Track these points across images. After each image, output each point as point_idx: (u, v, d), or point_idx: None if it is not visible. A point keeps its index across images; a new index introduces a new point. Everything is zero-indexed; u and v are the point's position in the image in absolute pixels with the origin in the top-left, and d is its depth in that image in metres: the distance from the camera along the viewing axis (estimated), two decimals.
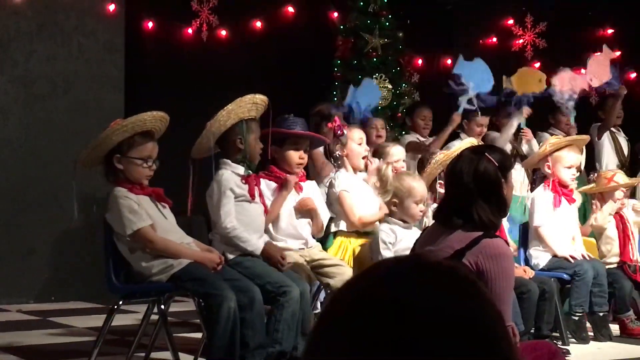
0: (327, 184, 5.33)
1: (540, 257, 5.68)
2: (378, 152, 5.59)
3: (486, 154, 3.14)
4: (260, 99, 4.50)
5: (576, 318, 5.53)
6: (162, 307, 4.19)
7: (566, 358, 4.77)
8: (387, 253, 4.56)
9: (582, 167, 7.59)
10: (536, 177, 6.96)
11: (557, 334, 5.42)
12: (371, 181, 5.11)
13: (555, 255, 5.63)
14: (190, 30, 8.06)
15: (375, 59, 8.32)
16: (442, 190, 4.74)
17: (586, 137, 6.42)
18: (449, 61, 6.59)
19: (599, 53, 7.05)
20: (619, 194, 6.11)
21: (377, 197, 4.96)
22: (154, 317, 4.37)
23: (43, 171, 7.28)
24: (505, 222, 5.04)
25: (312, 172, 5.77)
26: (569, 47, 9.14)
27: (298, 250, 4.76)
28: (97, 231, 4.77)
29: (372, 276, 0.96)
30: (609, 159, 8.00)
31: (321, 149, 5.75)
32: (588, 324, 5.66)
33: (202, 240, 4.42)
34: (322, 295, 5.07)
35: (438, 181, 5.25)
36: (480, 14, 9.53)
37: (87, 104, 7.51)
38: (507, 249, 3.04)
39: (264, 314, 4.20)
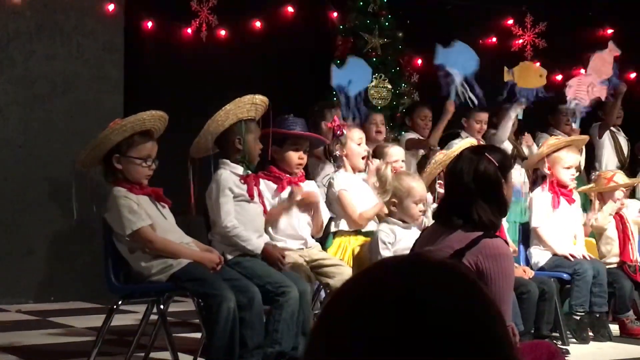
0: (326, 184, 5.33)
1: (540, 256, 5.69)
2: (377, 153, 5.59)
3: (486, 154, 3.14)
4: (259, 99, 4.50)
5: (577, 318, 5.53)
6: (162, 307, 4.19)
7: (566, 358, 4.77)
8: (386, 253, 4.55)
9: (582, 167, 7.60)
10: (537, 177, 6.96)
11: (557, 334, 5.42)
12: (371, 181, 5.11)
13: (555, 254, 5.64)
14: (189, 30, 8.05)
15: (374, 59, 8.32)
16: (442, 190, 4.74)
17: (585, 138, 6.42)
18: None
19: (604, 50, 7.05)
20: (618, 194, 6.11)
21: (376, 196, 4.96)
22: (154, 317, 4.37)
23: (42, 171, 7.28)
24: (504, 222, 5.04)
25: (312, 172, 5.77)
26: (568, 47, 9.15)
27: (297, 250, 4.76)
28: (97, 231, 4.77)
29: (372, 275, 0.96)
30: (608, 158, 8.01)
31: (320, 149, 5.75)
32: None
33: (202, 241, 4.42)
34: (322, 295, 5.07)
35: (438, 181, 5.25)
36: (480, 14, 9.52)
37: (86, 104, 7.50)
38: (506, 249, 3.04)
39: (263, 314, 4.20)
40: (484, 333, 0.91)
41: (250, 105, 4.48)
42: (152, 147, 4.20)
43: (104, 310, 4.72)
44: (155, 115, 4.22)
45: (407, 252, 3.96)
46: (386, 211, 4.78)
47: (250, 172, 4.53)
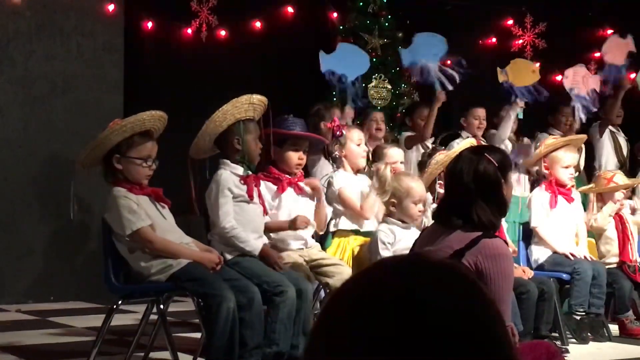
0: (325, 183, 5.33)
1: (540, 253, 5.69)
2: (376, 154, 5.59)
3: (486, 154, 3.15)
4: (257, 99, 4.50)
5: (577, 318, 5.53)
6: (161, 307, 4.19)
7: (565, 358, 4.77)
8: (386, 253, 4.56)
9: (582, 167, 7.61)
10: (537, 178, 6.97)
11: (557, 334, 5.42)
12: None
13: (555, 252, 5.64)
14: (189, 31, 8.05)
15: (374, 59, 8.32)
16: (442, 191, 4.74)
17: (582, 137, 6.43)
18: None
19: (622, 38, 7.05)
20: (618, 194, 6.12)
21: (375, 197, 4.96)
22: (153, 317, 4.38)
23: (42, 171, 7.28)
24: (503, 222, 5.04)
25: (311, 172, 5.76)
26: (568, 48, 9.15)
27: (297, 250, 4.76)
28: (96, 231, 4.77)
29: (371, 275, 0.96)
30: (608, 158, 8.01)
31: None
32: None
33: (201, 241, 4.42)
34: (322, 294, 5.07)
35: (438, 181, 5.25)
36: (480, 14, 9.53)
37: (86, 104, 7.50)
38: (506, 249, 3.04)
39: (262, 314, 4.20)
40: (483, 333, 0.91)
41: (247, 105, 4.47)
42: (152, 147, 4.20)
43: (103, 310, 4.71)
44: (155, 116, 4.22)
45: (407, 252, 3.96)
46: (385, 210, 4.79)
47: (250, 172, 4.53)
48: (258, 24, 8.32)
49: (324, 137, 5.52)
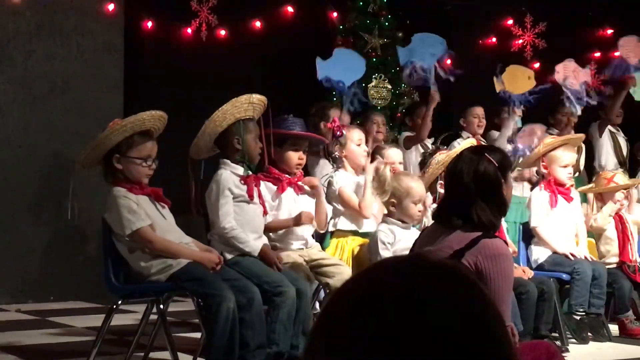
0: (326, 183, 5.33)
1: (540, 253, 5.69)
2: (375, 154, 5.58)
3: (486, 154, 3.15)
4: (257, 98, 4.50)
5: (577, 317, 5.54)
6: (161, 306, 4.19)
7: (565, 358, 4.77)
8: (385, 253, 4.56)
9: (582, 167, 7.61)
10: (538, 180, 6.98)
11: (556, 334, 5.42)
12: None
13: (555, 252, 5.64)
14: (189, 30, 8.05)
15: (374, 59, 8.32)
16: (443, 191, 4.74)
17: (580, 136, 6.43)
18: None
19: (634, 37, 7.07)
20: (618, 194, 6.12)
21: (375, 197, 4.96)
22: (153, 316, 4.38)
23: (42, 171, 7.28)
24: (503, 222, 5.05)
25: (311, 172, 5.76)
26: (568, 48, 9.14)
27: (297, 250, 4.76)
28: (97, 231, 4.77)
29: (372, 276, 0.96)
30: (607, 158, 8.01)
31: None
32: None
33: (201, 240, 4.42)
34: (322, 294, 5.07)
35: (439, 181, 5.25)
36: (480, 14, 9.53)
37: (86, 104, 7.50)
38: (506, 250, 3.04)
39: (263, 314, 4.20)
40: (483, 333, 0.91)
41: (247, 104, 4.47)
42: (152, 147, 4.20)
43: (103, 310, 4.72)
44: (155, 115, 4.22)
45: (407, 252, 3.96)
46: (385, 210, 4.78)
47: (250, 172, 4.53)
48: (258, 24, 8.32)
49: (324, 137, 5.52)
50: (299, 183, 4.82)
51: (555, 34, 9.50)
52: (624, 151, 8.14)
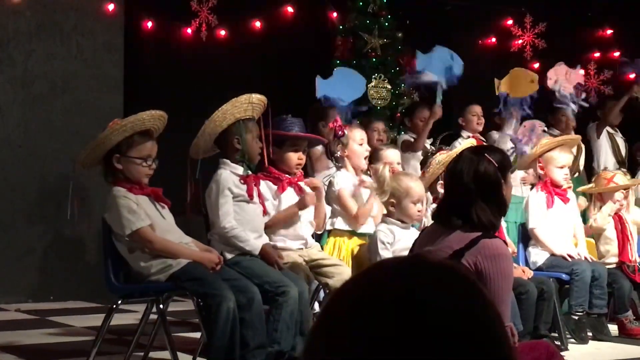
0: (327, 182, 5.33)
1: (538, 255, 5.69)
2: (374, 155, 5.58)
3: (486, 154, 3.15)
4: (257, 98, 4.50)
5: (576, 318, 5.54)
6: (161, 306, 4.19)
7: (565, 358, 4.77)
8: (385, 253, 4.56)
9: (582, 168, 7.61)
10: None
11: (556, 334, 5.42)
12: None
13: (553, 254, 5.64)
14: (189, 30, 8.05)
15: (374, 59, 8.32)
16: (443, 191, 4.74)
17: (577, 137, 6.43)
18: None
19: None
20: (618, 194, 6.12)
21: (374, 197, 4.97)
22: (153, 316, 4.38)
23: (42, 170, 7.28)
24: (503, 223, 5.05)
25: (308, 168, 5.75)
26: (568, 48, 9.14)
27: (297, 250, 4.76)
28: (96, 231, 4.77)
29: (372, 276, 0.96)
30: (606, 159, 8.02)
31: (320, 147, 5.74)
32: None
33: (201, 240, 4.42)
34: (321, 294, 5.07)
35: (439, 182, 5.25)
36: (480, 15, 9.53)
37: (86, 104, 7.50)
38: (505, 250, 3.04)
39: (263, 314, 4.20)
40: (483, 333, 0.91)
41: (247, 104, 4.48)
42: (152, 147, 4.20)
43: (103, 309, 4.72)
44: (155, 115, 4.22)
45: (406, 252, 3.96)
46: (384, 210, 4.78)
47: (250, 171, 4.53)
48: (258, 24, 8.32)
49: (325, 137, 5.52)
50: (300, 183, 4.82)
51: (555, 34, 9.50)
52: (623, 152, 8.15)
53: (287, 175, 4.81)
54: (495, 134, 7.20)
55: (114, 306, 4.17)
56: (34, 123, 7.34)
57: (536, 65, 9.33)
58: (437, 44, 6.22)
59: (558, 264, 5.60)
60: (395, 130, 8.06)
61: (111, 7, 7.62)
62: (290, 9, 8.38)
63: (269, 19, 8.34)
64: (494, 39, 9.66)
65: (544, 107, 7.36)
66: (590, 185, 6.42)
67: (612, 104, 7.94)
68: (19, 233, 7.21)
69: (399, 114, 8.31)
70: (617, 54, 9.59)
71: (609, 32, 9.84)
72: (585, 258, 5.69)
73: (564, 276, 5.56)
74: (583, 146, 7.53)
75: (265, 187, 4.72)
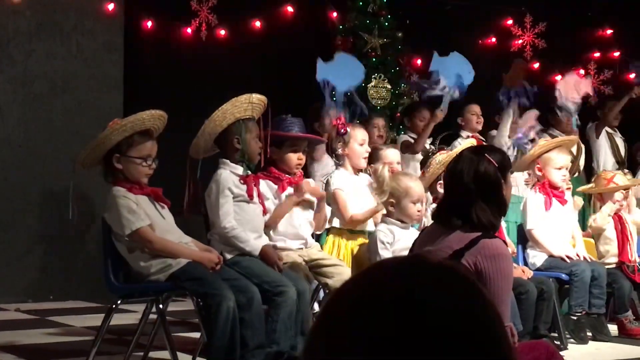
0: (325, 181, 5.33)
1: (537, 257, 5.69)
2: (373, 155, 5.58)
3: (486, 154, 3.15)
4: (257, 98, 4.50)
5: (575, 318, 5.54)
6: (161, 306, 4.19)
7: (564, 358, 4.77)
8: (385, 253, 4.56)
9: (582, 168, 7.61)
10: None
11: (555, 334, 5.42)
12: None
13: (551, 255, 5.64)
14: (189, 30, 8.05)
15: (374, 59, 8.32)
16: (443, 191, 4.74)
17: (574, 138, 6.43)
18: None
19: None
20: (618, 195, 6.12)
21: (374, 197, 4.97)
22: (153, 316, 4.38)
23: (41, 170, 7.28)
24: (502, 223, 5.04)
25: (309, 167, 5.75)
26: (568, 48, 9.15)
27: (297, 250, 4.76)
28: (96, 231, 4.77)
29: (371, 276, 0.96)
30: (605, 159, 8.02)
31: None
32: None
33: (201, 240, 4.42)
34: (321, 294, 5.07)
35: (439, 182, 5.25)
36: (480, 14, 9.53)
37: (85, 104, 7.50)
38: (505, 250, 3.04)
39: (262, 314, 4.20)
40: (483, 333, 0.91)
41: (247, 104, 4.48)
42: (152, 147, 4.20)
43: (103, 309, 4.72)
44: (155, 115, 4.22)
45: (406, 252, 3.97)
46: (384, 211, 4.78)
47: (250, 171, 4.53)
48: (258, 24, 8.32)
49: (326, 133, 5.52)
50: (307, 196, 4.80)
51: (555, 34, 9.50)
52: (622, 152, 8.15)
53: (287, 175, 4.81)
54: (494, 133, 7.20)
55: (114, 306, 4.17)
56: (34, 123, 7.34)
57: (536, 65, 9.34)
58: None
59: (557, 265, 5.60)
60: (394, 130, 8.06)
61: (111, 6, 7.62)
62: (290, 9, 8.38)
63: (269, 19, 8.34)
64: (494, 39, 9.66)
65: (544, 107, 7.36)
66: (590, 185, 6.42)
67: (612, 104, 7.94)
68: (19, 233, 7.21)
69: (398, 114, 8.31)
70: (617, 54, 9.59)
71: (609, 32, 9.84)
72: (584, 258, 5.68)
73: (563, 276, 5.56)
74: (583, 146, 7.53)
75: (266, 186, 4.72)
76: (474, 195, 3.07)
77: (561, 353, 3.57)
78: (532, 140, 6.43)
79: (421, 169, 5.68)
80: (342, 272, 4.61)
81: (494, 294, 2.87)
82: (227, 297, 3.98)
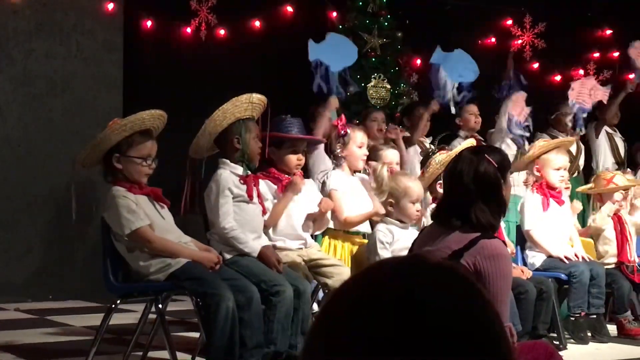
0: (321, 181, 5.33)
1: (535, 257, 5.69)
2: (372, 155, 5.58)
3: (486, 155, 3.15)
4: (257, 98, 4.50)
5: (573, 318, 5.54)
6: (160, 306, 4.19)
7: (563, 358, 4.77)
8: (384, 253, 4.56)
9: (581, 169, 7.62)
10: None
11: (555, 334, 5.43)
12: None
13: (550, 256, 5.64)
14: (189, 30, 8.05)
15: (374, 59, 8.32)
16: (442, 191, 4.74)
17: (572, 139, 6.43)
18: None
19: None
20: (617, 195, 6.12)
21: (370, 199, 4.98)
22: (152, 316, 4.38)
23: (41, 170, 7.28)
24: (502, 223, 5.05)
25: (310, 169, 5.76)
26: (568, 48, 9.15)
27: (296, 250, 4.76)
28: (96, 230, 4.77)
29: (371, 276, 0.96)
30: (605, 159, 8.02)
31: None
32: None
33: (200, 240, 4.42)
34: (320, 294, 5.07)
35: (438, 182, 5.25)
36: (479, 14, 9.53)
37: (85, 103, 7.50)
38: (504, 250, 3.04)
39: (262, 314, 4.20)
40: (482, 333, 0.91)
41: (247, 104, 4.48)
42: (151, 146, 4.20)
43: (102, 309, 4.72)
44: (155, 115, 4.22)
45: (405, 252, 3.97)
46: (382, 211, 4.79)
47: (250, 172, 4.53)
48: (257, 23, 8.32)
49: (325, 130, 5.53)
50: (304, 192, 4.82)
51: (555, 34, 9.50)
52: (622, 152, 8.15)
53: (286, 176, 4.81)
54: (491, 132, 7.21)
55: (113, 306, 4.16)
56: (34, 123, 7.34)
57: (536, 65, 9.34)
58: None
59: (555, 265, 5.60)
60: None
61: (111, 6, 7.62)
62: (289, 9, 8.38)
63: (269, 19, 8.33)
64: (493, 39, 9.66)
65: (544, 107, 7.37)
66: (590, 185, 6.42)
67: (610, 103, 7.93)
68: (19, 233, 7.21)
69: (398, 114, 8.31)
70: (616, 54, 9.59)
71: (609, 32, 9.84)
72: (583, 258, 5.68)
73: (562, 276, 5.56)
74: (583, 146, 7.54)
75: (265, 186, 4.72)
76: (473, 196, 3.07)
77: (560, 353, 3.57)
78: (527, 128, 6.44)
79: (421, 169, 5.68)
80: (341, 272, 4.61)
81: (493, 294, 2.87)
82: (226, 296, 3.98)
